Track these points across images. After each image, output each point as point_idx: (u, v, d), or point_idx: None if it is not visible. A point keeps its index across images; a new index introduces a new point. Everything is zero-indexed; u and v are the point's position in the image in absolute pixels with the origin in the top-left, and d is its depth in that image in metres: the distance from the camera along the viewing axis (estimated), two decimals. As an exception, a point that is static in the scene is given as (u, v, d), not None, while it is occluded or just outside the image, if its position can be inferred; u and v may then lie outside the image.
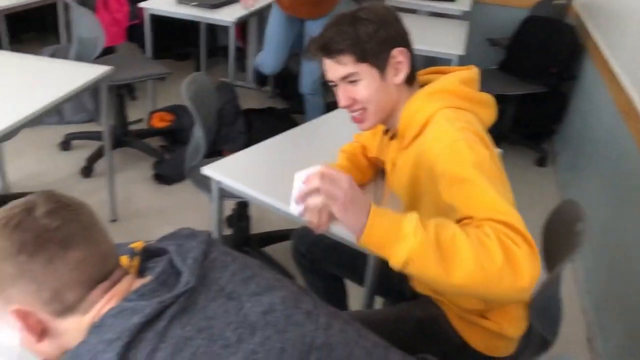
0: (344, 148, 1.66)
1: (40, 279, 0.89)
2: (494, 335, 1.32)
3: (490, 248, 0.98)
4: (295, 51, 3.19)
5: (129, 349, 0.84)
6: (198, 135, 2.12)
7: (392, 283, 1.59)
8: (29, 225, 0.89)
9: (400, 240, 0.99)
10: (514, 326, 1.33)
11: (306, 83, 3.11)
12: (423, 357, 1.36)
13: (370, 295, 1.61)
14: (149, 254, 1.01)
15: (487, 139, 1.19)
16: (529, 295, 1.00)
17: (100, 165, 3.11)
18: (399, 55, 1.28)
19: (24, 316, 0.91)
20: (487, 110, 1.28)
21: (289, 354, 0.88)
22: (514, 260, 0.98)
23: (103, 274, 0.93)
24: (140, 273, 0.99)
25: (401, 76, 1.29)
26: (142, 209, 2.91)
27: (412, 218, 1.01)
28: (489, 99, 1.28)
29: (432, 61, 2.40)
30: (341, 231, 1.50)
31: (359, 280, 1.70)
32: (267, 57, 3.09)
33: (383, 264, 1.19)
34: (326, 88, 3.07)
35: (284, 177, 1.65)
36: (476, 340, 1.36)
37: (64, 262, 0.89)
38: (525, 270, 0.98)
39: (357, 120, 1.34)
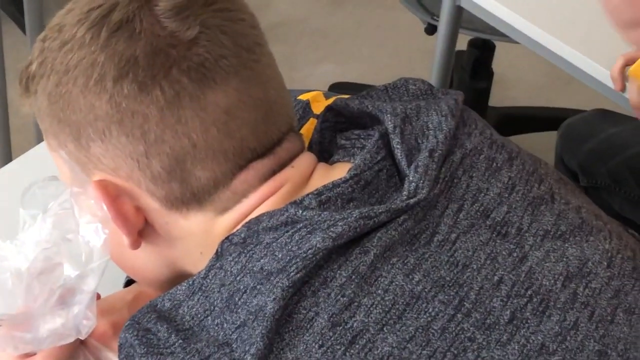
0: None
1: (153, 133, 0.81)
2: None
3: None
4: None
5: (300, 295, 0.77)
6: None
7: None
8: (144, 29, 0.81)
9: None
10: None
11: None
12: None
13: None
14: (339, 120, 0.94)
15: None
16: None
17: None
18: None
19: (114, 196, 0.84)
20: None
21: None
22: None
23: (262, 143, 0.85)
24: (323, 154, 0.92)
25: None
26: (287, 23, 2.97)
27: None
28: None
29: None
30: None
31: None
32: None
33: None
34: None
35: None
36: None
37: (196, 109, 0.81)
38: None
39: None
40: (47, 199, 0.86)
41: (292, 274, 0.77)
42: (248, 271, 0.78)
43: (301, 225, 0.80)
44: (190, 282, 0.80)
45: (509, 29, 1.70)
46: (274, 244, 0.79)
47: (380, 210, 0.80)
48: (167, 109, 0.80)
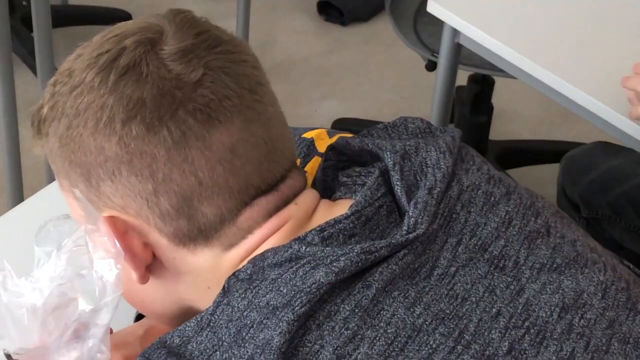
0: None
1: (161, 173, 0.82)
2: None
3: None
4: None
5: (305, 328, 0.77)
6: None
7: None
8: (150, 72, 0.81)
9: None
10: None
11: None
12: None
13: None
14: (340, 158, 0.93)
15: None
16: None
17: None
18: None
19: (122, 231, 0.84)
20: None
21: None
22: None
23: (266, 180, 0.85)
24: (326, 192, 0.92)
25: None
26: (291, 63, 2.95)
27: None
28: None
29: None
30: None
31: None
32: None
33: None
34: None
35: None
36: None
37: (202, 148, 0.81)
38: None
39: None
40: (61, 237, 0.86)
41: (297, 308, 0.77)
42: (254, 306, 0.78)
43: (305, 261, 0.80)
44: (199, 319, 0.80)
45: (506, 65, 1.69)
46: (279, 279, 0.79)
47: (381, 245, 0.80)
48: (174, 148, 0.81)
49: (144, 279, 0.87)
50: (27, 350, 0.83)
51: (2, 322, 0.83)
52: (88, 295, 0.83)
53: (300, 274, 0.79)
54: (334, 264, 0.79)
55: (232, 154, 0.82)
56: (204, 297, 0.85)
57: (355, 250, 0.79)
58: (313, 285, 0.78)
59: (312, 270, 0.79)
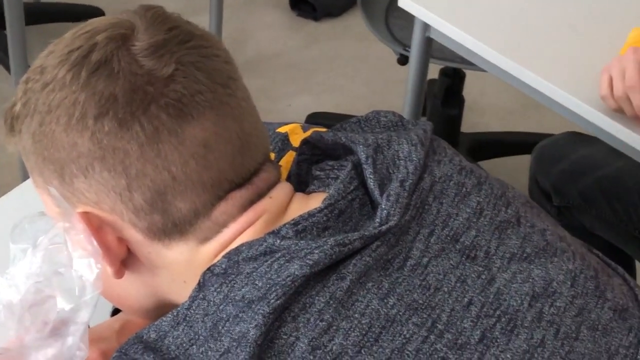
0: None
1: (134, 168, 0.81)
2: None
3: None
4: None
5: (281, 321, 0.77)
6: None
7: None
8: (122, 68, 0.81)
9: None
10: None
11: None
12: None
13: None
14: (314, 152, 0.93)
15: None
16: None
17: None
18: None
19: (96, 226, 0.84)
20: None
21: None
22: None
23: (240, 174, 0.85)
24: (301, 186, 0.92)
25: None
26: (265, 58, 2.94)
27: None
28: None
29: None
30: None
31: None
32: None
33: None
34: None
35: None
36: None
37: (175, 143, 0.81)
38: None
39: None
40: (37, 234, 0.85)
41: (273, 301, 0.76)
42: (230, 300, 0.78)
43: (279, 254, 0.79)
44: (175, 313, 0.80)
45: (477, 58, 1.70)
46: (254, 273, 0.79)
47: (354, 238, 0.80)
48: (147, 144, 0.80)
49: (119, 274, 0.86)
50: (4, 350, 0.82)
51: None
52: (67, 294, 0.83)
53: (275, 267, 0.79)
54: (309, 256, 0.79)
55: (205, 149, 0.82)
56: (180, 292, 0.85)
57: (329, 243, 0.79)
58: (288, 278, 0.77)
59: (287, 264, 0.79)
